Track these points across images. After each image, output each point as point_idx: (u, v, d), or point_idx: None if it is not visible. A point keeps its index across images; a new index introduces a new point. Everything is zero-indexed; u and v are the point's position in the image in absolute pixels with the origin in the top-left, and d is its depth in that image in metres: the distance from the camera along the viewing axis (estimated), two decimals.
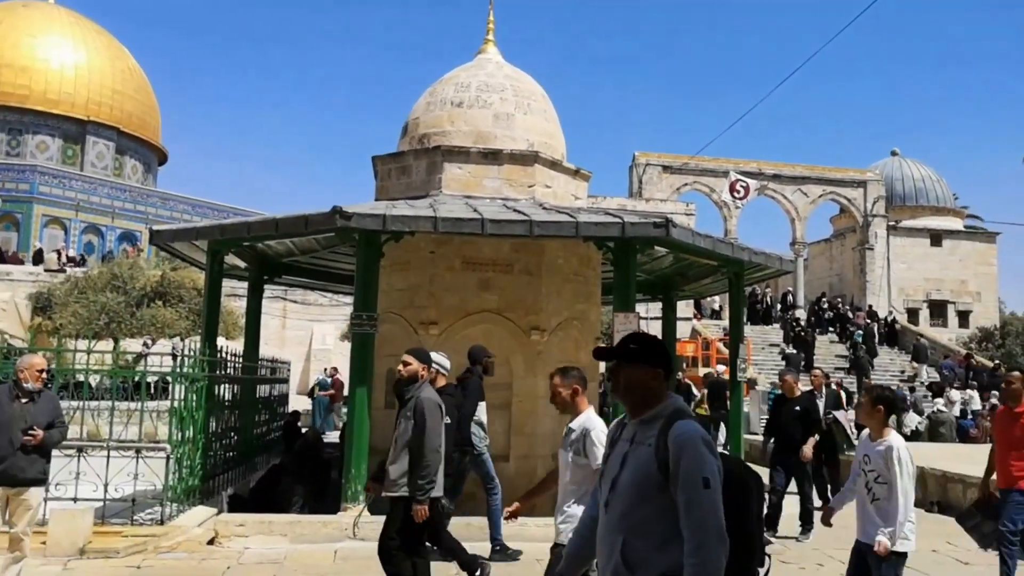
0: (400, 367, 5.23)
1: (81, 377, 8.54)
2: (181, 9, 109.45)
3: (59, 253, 32.70)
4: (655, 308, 17.46)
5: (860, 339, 27.35)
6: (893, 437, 4.44)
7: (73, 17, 43.84)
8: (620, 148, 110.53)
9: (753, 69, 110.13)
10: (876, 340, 28.31)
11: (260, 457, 11.87)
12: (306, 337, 31.18)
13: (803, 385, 9.79)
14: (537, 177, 9.84)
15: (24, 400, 5.66)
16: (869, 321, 30.11)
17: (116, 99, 42.96)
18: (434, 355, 6.14)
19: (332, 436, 15.87)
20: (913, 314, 35.33)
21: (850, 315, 30.60)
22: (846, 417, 10.50)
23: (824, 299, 32.70)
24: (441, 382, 6.31)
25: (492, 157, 9.75)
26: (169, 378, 8.29)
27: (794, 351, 25.78)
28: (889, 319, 31.64)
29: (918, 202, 38.02)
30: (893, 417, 4.72)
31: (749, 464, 2.88)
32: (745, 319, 17.03)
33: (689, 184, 34.15)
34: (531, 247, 9.31)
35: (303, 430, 12.88)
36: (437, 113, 10.22)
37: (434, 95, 10.42)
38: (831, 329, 29.99)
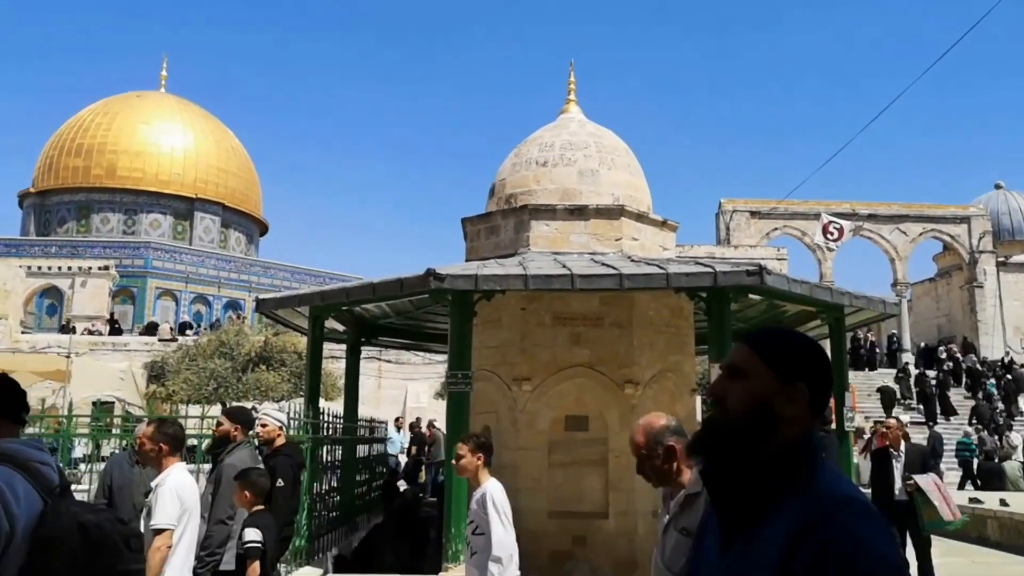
0: (215, 427, 4.98)
1: (193, 442, 8.95)
2: (275, 86, 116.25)
3: (191, 325, 34.83)
4: None
5: (992, 389, 25.41)
6: (489, 484, 4.30)
7: (181, 103, 47.27)
8: (706, 195, 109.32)
9: (841, 108, 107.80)
10: (1017, 393, 25.52)
11: (361, 517, 12.06)
12: (401, 396, 31.73)
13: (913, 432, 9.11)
14: (624, 230, 9.88)
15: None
16: (960, 356, 28.20)
17: (221, 177, 45.79)
18: (271, 410, 5.84)
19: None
20: None
21: (979, 367, 27.95)
22: (933, 482, 7.81)
23: (941, 349, 30.37)
24: (280, 440, 5.65)
25: (578, 213, 9.86)
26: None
27: (889, 386, 24.38)
28: (1006, 360, 29.68)
29: None
30: None
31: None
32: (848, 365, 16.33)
33: (779, 229, 33.42)
34: (621, 300, 9.30)
35: (402, 489, 13.05)
36: (523, 173, 10.45)
37: (519, 156, 10.68)
38: (954, 382, 27.43)
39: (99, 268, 36.09)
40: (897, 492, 8.09)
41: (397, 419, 22.34)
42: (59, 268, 36.05)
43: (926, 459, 8.32)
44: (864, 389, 25.97)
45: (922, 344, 32.92)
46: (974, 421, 21.99)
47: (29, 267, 35.50)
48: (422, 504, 12.18)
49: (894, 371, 28.68)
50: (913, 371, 27.40)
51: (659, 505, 3.09)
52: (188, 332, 32.72)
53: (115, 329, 33.75)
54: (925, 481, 7.73)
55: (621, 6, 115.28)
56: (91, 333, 30.96)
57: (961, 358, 29.37)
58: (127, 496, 5.85)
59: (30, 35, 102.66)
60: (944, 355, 29.43)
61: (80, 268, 35.88)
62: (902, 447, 8.34)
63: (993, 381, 26.14)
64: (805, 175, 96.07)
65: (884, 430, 9.17)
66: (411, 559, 9.59)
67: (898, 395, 24.64)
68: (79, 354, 27.69)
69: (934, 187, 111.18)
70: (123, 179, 43.30)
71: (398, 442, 20.25)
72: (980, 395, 25.72)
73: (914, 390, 25.29)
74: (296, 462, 5.74)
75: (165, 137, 44.42)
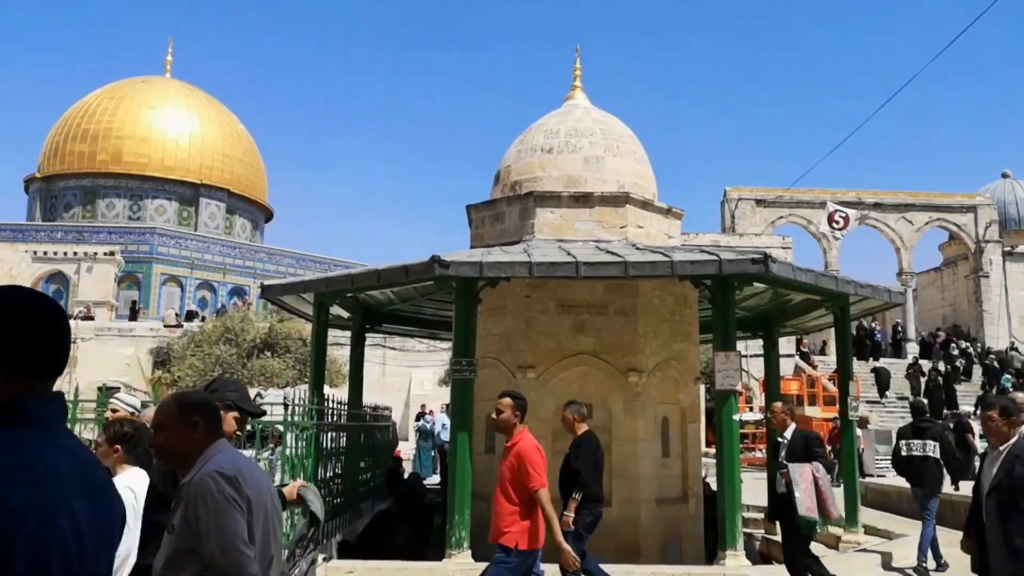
0: None
1: None
2: (280, 72, 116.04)
3: (196, 313, 34.97)
4: (755, 346, 17.00)
5: (1008, 384, 25.25)
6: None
7: (187, 89, 47.18)
8: (711, 183, 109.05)
9: (847, 95, 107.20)
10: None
11: (365, 503, 12.10)
12: (405, 383, 31.78)
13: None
14: (629, 218, 9.86)
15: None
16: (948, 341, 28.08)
17: (226, 163, 45.74)
18: (122, 395, 6.06)
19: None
20: None
21: (995, 365, 27.48)
22: (811, 473, 6.68)
23: (953, 345, 29.74)
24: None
25: (583, 200, 9.84)
26: (280, 427, 8.62)
27: (885, 368, 24.35)
28: (1009, 351, 29.59)
29: None
30: None
31: None
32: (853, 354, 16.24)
33: (784, 217, 33.35)
34: (625, 288, 9.29)
35: (405, 475, 13.09)
36: (528, 160, 10.43)
37: (524, 143, 10.65)
38: (964, 376, 27.21)
39: (105, 254, 36.15)
40: (776, 484, 7.10)
41: (445, 405, 21.51)
42: (65, 253, 36.12)
43: (811, 445, 7.00)
44: (868, 379, 25.96)
45: (924, 334, 32.85)
46: (977, 412, 21.92)
47: (35, 252, 35.60)
48: (426, 490, 12.23)
49: (894, 360, 28.59)
50: (926, 366, 27.15)
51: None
52: (195, 319, 32.87)
53: (134, 315, 34.02)
54: (797, 471, 6.65)
55: None
56: (85, 319, 31.00)
57: (973, 352, 29.23)
58: None
59: (36, 19, 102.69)
60: (955, 350, 29.12)
61: (86, 253, 35.94)
62: (787, 432, 7.12)
63: (1008, 376, 25.99)
64: (811, 163, 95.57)
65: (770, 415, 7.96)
66: (415, 545, 9.65)
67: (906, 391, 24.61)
68: (85, 340, 27.79)
69: (941, 176, 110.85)
70: (129, 164, 43.29)
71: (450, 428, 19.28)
72: (994, 390, 25.55)
73: (923, 385, 25.21)
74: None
75: (171, 123, 44.37)
